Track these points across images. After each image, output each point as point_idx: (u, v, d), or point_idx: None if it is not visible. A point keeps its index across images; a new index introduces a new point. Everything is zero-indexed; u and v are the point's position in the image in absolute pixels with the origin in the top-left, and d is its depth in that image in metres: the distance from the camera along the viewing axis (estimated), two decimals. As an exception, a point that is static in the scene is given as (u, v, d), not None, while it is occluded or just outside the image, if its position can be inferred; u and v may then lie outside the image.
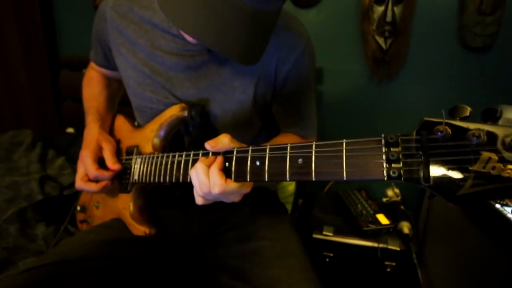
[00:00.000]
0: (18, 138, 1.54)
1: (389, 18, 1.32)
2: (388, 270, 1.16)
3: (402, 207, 1.33)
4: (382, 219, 1.22)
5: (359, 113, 1.57)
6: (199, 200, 0.53)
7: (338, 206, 1.36)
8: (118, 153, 0.76)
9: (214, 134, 0.72)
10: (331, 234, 1.19)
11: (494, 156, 0.30)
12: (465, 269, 1.00)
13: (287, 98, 0.73)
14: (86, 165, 0.70)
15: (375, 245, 1.14)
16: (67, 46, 1.97)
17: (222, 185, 0.48)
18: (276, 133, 0.79)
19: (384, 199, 1.44)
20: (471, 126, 0.31)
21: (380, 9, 1.34)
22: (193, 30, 0.50)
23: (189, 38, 0.60)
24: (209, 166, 0.50)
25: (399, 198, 1.41)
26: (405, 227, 1.19)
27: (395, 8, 1.32)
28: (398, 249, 1.13)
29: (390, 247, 1.14)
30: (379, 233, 1.17)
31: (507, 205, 0.88)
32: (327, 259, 1.19)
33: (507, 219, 0.83)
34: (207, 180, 0.49)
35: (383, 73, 1.46)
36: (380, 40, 1.37)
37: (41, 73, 1.89)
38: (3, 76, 1.85)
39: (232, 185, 0.49)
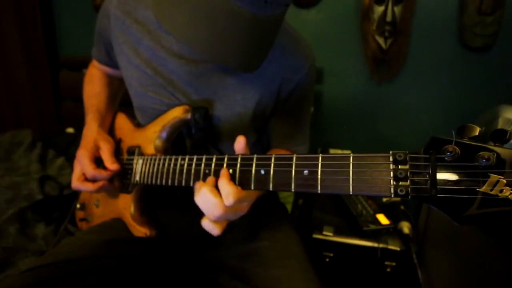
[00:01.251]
0: (18, 138, 1.54)
1: (389, 18, 1.32)
2: (388, 270, 1.16)
3: (402, 207, 1.33)
4: (382, 219, 1.21)
5: (359, 113, 1.57)
6: (215, 230, 0.51)
7: (338, 206, 1.36)
8: (119, 152, 0.76)
9: (216, 137, 0.72)
10: (331, 234, 1.19)
11: (503, 179, 0.30)
12: (465, 269, 1.00)
13: (285, 116, 0.74)
14: (83, 164, 0.69)
15: (375, 245, 1.14)
16: (67, 46, 1.97)
17: (235, 192, 0.46)
18: (269, 147, 0.79)
19: (384, 199, 1.44)
20: (481, 147, 0.31)
21: (380, 9, 1.34)
22: (186, 36, 0.48)
23: None
24: (214, 185, 0.49)
25: (399, 198, 1.41)
26: (405, 227, 1.19)
27: (395, 8, 1.32)
28: (398, 249, 1.13)
29: (390, 247, 1.14)
30: (379, 233, 1.17)
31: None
32: (327, 259, 1.19)
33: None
34: (218, 200, 0.48)
35: (383, 73, 1.46)
36: (380, 40, 1.37)
37: (41, 73, 1.88)
38: (3, 76, 1.85)
39: (244, 191, 0.48)
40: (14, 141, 1.52)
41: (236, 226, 0.74)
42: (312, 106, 0.81)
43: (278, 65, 0.67)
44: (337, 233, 1.19)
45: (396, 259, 1.15)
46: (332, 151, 1.61)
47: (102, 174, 0.68)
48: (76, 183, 0.69)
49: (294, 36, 0.70)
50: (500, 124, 0.97)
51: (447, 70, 1.42)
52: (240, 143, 0.50)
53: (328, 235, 1.18)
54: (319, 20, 1.50)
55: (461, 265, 1.03)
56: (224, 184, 0.47)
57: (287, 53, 0.68)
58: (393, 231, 1.19)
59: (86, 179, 0.70)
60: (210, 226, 0.51)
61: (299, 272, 0.62)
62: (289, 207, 1.30)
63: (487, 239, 0.89)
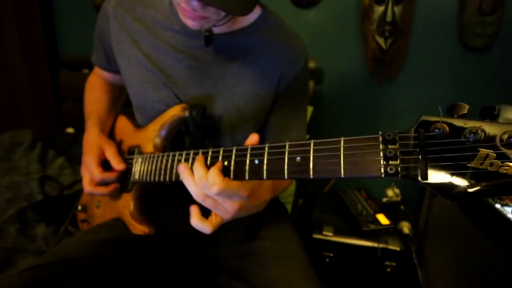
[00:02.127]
0: (18, 138, 1.54)
1: (389, 18, 1.33)
2: (388, 270, 1.16)
3: (402, 207, 1.33)
4: (382, 219, 1.22)
5: (359, 113, 1.57)
6: (206, 227, 0.51)
7: (338, 206, 1.36)
8: (120, 153, 0.76)
9: (214, 135, 0.72)
10: (331, 234, 1.19)
11: (492, 153, 0.30)
12: (465, 269, 1.00)
13: (281, 111, 0.75)
14: (90, 170, 0.70)
15: (375, 245, 1.14)
16: (67, 46, 1.97)
17: (221, 183, 0.46)
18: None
19: (384, 199, 1.44)
20: (469, 123, 0.32)
21: (380, 9, 1.34)
22: None
23: (187, 22, 0.57)
24: (204, 163, 0.49)
25: (399, 198, 1.42)
26: (405, 227, 1.19)
27: (395, 8, 1.32)
28: (398, 249, 1.13)
29: (390, 247, 1.14)
30: (379, 233, 1.18)
31: (507, 205, 0.88)
32: (327, 259, 1.19)
33: (507, 219, 0.83)
34: (205, 180, 0.47)
35: (383, 73, 1.46)
36: (380, 40, 1.37)
37: (41, 73, 1.88)
38: (3, 76, 1.85)
39: (231, 184, 0.47)
40: (14, 141, 1.52)
41: (236, 225, 0.74)
42: (307, 103, 0.82)
43: (276, 59, 0.69)
44: (337, 233, 1.19)
45: (396, 259, 1.15)
46: (332, 151, 1.60)
47: (109, 176, 0.69)
48: (89, 187, 0.70)
49: (289, 32, 0.72)
50: (500, 124, 0.97)
51: (447, 70, 1.42)
52: (252, 139, 0.50)
53: (328, 235, 1.19)
54: (319, 20, 1.50)
55: (461, 265, 1.03)
56: (213, 172, 0.47)
57: (283, 47, 0.70)
58: (393, 231, 1.19)
59: (96, 183, 0.71)
60: (200, 224, 0.52)
61: (298, 271, 0.62)
62: (289, 207, 1.30)
63: (487, 239, 0.90)
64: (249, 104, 0.69)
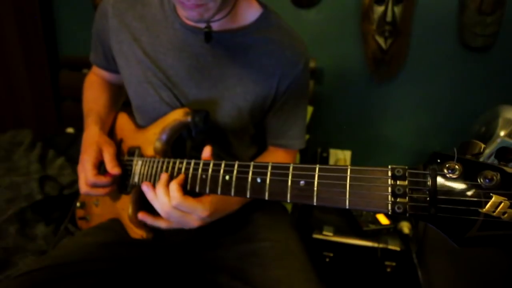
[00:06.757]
0: (18, 138, 1.54)
1: (389, 18, 1.33)
2: (388, 270, 1.16)
3: (402, 207, 1.33)
4: (382, 219, 1.22)
5: (359, 113, 1.57)
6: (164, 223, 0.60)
7: (338, 206, 1.36)
8: (120, 152, 0.76)
9: (216, 139, 0.72)
10: (331, 234, 1.19)
11: (506, 201, 0.28)
12: (465, 269, 1.00)
13: (282, 110, 0.75)
14: (86, 170, 0.68)
15: (375, 245, 1.14)
16: (67, 46, 1.97)
17: (178, 198, 0.52)
18: (265, 147, 0.81)
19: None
20: (484, 165, 0.30)
21: (380, 9, 1.34)
22: None
23: (187, 14, 0.57)
24: (166, 184, 0.55)
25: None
26: (405, 227, 1.19)
27: (395, 8, 1.32)
28: (398, 249, 1.14)
29: (390, 247, 1.14)
30: (379, 233, 1.18)
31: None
32: (327, 259, 1.20)
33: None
34: (167, 199, 0.54)
35: (383, 73, 1.45)
36: (380, 40, 1.37)
37: (41, 73, 1.88)
38: (3, 76, 1.84)
39: (188, 200, 0.53)
40: (14, 141, 1.52)
41: (236, 227, 0.74)
42: (307, 102, 0.82)
43: (277, 60, 0.69)
44: (337, 233, 1.19)
45: (396, 259, 1.15)
46: (332, 151, 1.60)
47: (102, 180, 0.67)
48: (86, 188, 0.68)
49: (290, 33, 0.72)
50: (500, 124, 0.97)
51: (447, 70, 1.42)
52: (205, 152, 0.57)
53: (328, 235, 1.19)
54: (319, 20, 1.50)
55: (461, 265, 1.03)
56: (173, 187, 0.54)
57: (284, 48, 0.69)
58: (393, 231, 1.19)
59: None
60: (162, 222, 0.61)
61: (299, 272, 0.62)
62: (289, 207, 1.30)
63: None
64: (249, 104, 0.69)
